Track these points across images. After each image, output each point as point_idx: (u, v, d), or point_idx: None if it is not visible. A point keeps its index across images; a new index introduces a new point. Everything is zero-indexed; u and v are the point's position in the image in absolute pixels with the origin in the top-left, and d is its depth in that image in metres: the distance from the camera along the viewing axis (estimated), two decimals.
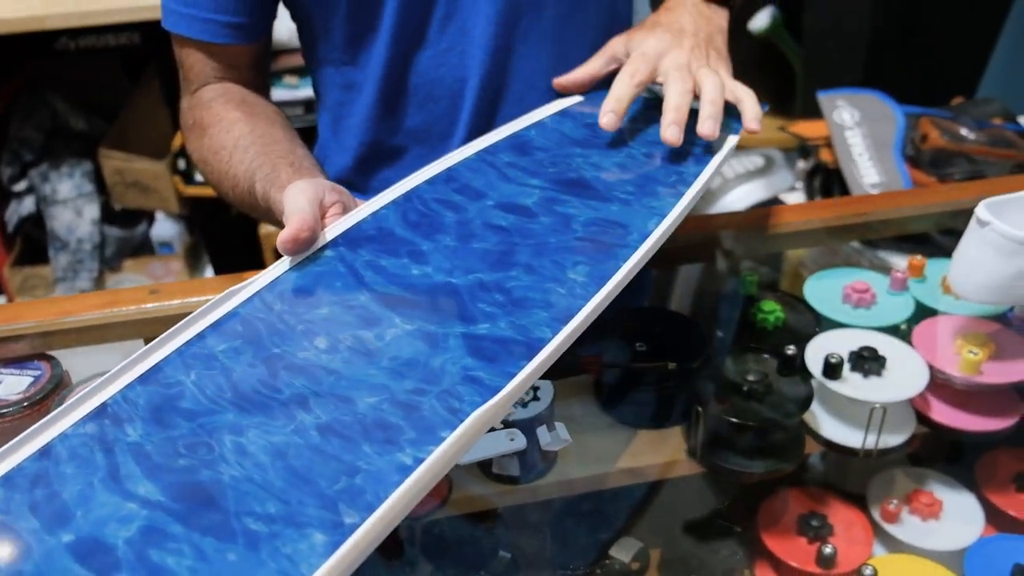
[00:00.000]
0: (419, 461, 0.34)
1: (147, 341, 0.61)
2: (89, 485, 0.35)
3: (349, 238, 0.47)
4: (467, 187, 0.52)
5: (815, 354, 0.60)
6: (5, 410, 0.55)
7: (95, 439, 0.37)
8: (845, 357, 0.59)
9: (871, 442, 0.59)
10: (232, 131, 0.60)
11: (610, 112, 0.57)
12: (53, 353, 0.60)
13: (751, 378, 0.57)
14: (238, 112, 0.62)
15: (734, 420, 0.56)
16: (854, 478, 0.66)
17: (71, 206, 1.82)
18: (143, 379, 0.40)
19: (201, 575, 0.31)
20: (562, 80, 0.65)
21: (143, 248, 1.89)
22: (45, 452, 0.36)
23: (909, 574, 0.56)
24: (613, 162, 0.56)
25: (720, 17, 0.65)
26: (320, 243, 0.47)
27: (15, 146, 1.81)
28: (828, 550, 0.57)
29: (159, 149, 1.76)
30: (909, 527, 0.61)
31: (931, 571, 0.56)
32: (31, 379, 0.57)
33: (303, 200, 0.47)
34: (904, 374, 0.59)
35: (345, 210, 0.50)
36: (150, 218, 1.88)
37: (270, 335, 0.42)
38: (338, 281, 0.45)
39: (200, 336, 0.42)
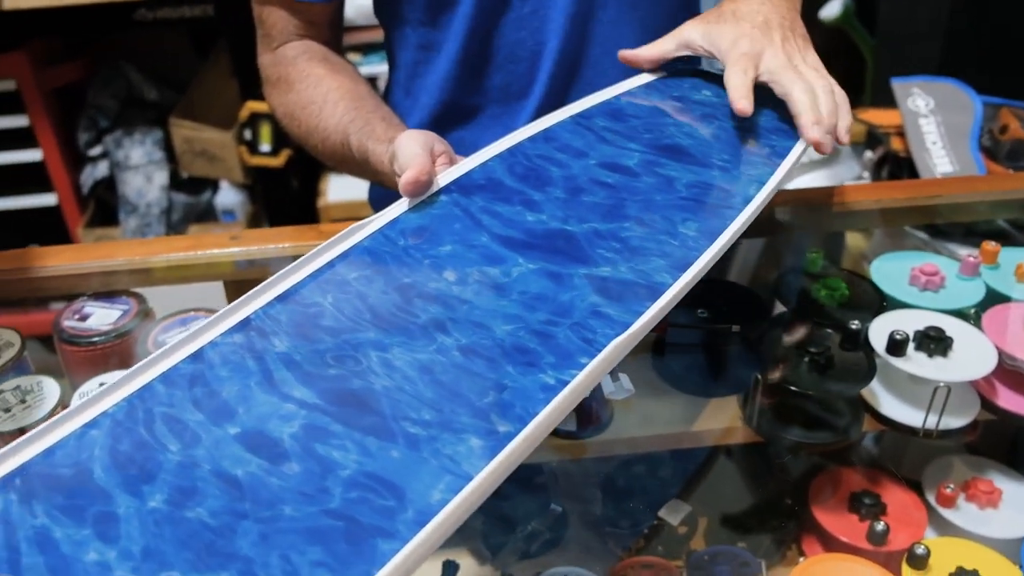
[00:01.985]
0: (562, 383, 0.36)
1: (227, 283, 0.65)
2: (246, 387, 0.37)
3: (461, 185, 0.49)
4: (568, 146, 0.53)
5: (879, 332, 0.60)
6: (96, 339, 0.58)
7: (244, 348, 0.39)
8: (910, 335, 0.59)
9: (932, 422, 0.58)
10: (320, 87, 0.62)
11: (742, 99, 0.54)
12: (140, 290, 0.64)
13: (813, 349, 0.57)
14: (323, 68, 0.64)
15: (794, 389, 0.56)
16: (910, 463, 0.66)
17: (142, 172, 1.90)
18: (281, 299, 0.42)
19: (368, 468, 0.33)
20: (629, 54, 0.64)
21: (207, 215, 1.95)
22: (197, 356, 0.39)
23: (963, 557, 0.55)
24: (705, 133, 0.57)
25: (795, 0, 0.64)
26: (434, 188, 0.48)
27: (92, 112, 1.88)
28: (880, 527, 0.57)
29: (226, 120, 1.82)
30: (965, 513, 0.60)
31: (986, 556, 0.56)
32: (120, 312, 0.61)
33: (416, 147, 0.48)
34: (971, 356, 0.58)
35: (451, 160, 0.51)
36: (215, 186, 1.94)
37: (398, 267, 0.44)
38: (457, 223, 0.46)
39: (330, 264, 0.44)
